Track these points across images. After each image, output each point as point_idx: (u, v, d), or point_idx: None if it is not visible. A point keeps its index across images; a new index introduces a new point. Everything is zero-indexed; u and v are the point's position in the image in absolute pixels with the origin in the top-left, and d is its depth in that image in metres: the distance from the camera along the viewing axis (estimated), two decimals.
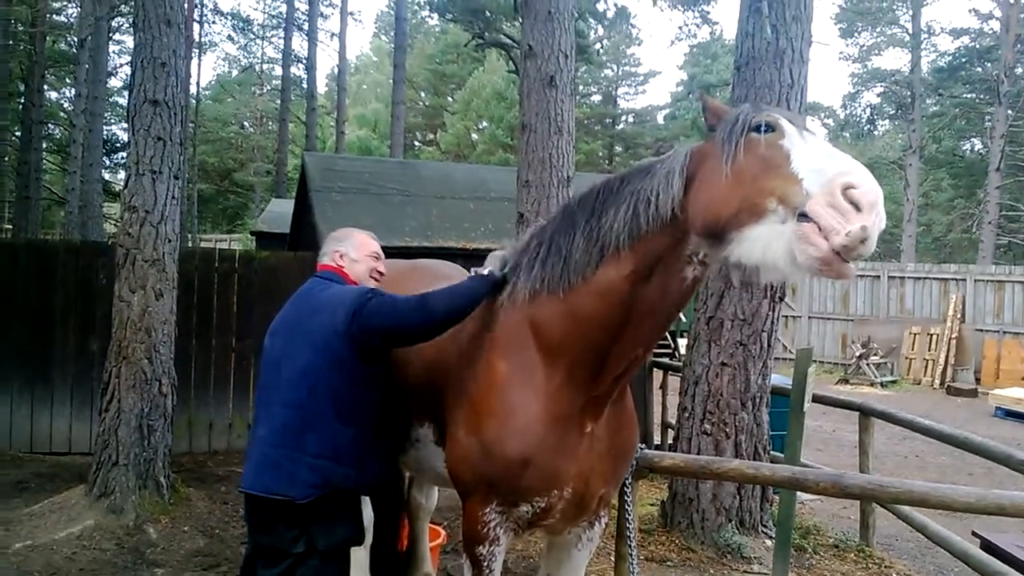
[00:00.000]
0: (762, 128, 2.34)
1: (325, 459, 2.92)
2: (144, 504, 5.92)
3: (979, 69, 29.60)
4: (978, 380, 17.77)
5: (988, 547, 5.12)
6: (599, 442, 2.94)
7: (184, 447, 8.06)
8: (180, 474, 6.84)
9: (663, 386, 9.06)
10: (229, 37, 36.64)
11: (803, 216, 2.10)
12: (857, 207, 2.02)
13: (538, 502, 2.89)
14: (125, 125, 9.10)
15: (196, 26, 27.36)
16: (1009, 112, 24.80)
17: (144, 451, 6.02)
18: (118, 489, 5.88)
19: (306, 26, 28.67)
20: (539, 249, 2.93)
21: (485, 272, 3.06)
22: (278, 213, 20.39)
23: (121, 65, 27.64)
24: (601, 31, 39.05)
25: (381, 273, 3.38)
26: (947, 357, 18.26)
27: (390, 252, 3.48)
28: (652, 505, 6.75)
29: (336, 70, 29.84)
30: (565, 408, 2.81)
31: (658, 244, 2.60)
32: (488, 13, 24.10)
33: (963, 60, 30.40)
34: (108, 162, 28.36)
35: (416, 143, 48.20)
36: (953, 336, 18.34)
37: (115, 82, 28.24)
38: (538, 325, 2.86)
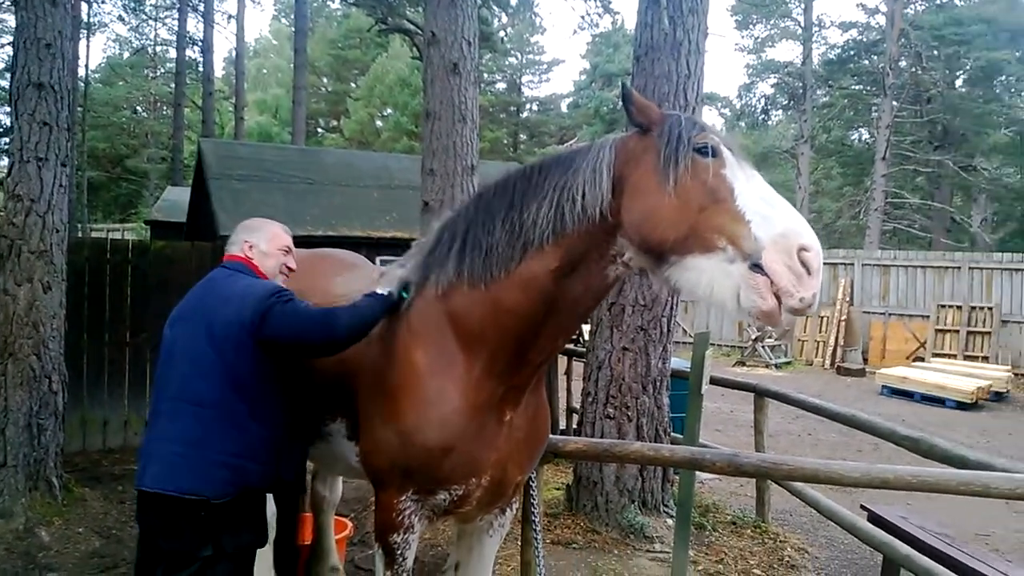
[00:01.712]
0: (705, 151, 2.38)
1: (240, 457, 2.83)
2: (35, 506, 5.72)
3: (866, 62, 30.84)
4: (866, 360, 18.60)
5: (875, 519, 5.38)
6: (517, 431, 2.97)
7: (77, 446, 7.76)
8: (73, 474, 6.61)
9: (568, 372, 9.19)
10: (120, 17, 34.93)
11: (757, 267, 2.19)
12: (809, 271, 2.15)
13: (456, 490, 2.89)
14: (8, 109, 8.65)
15: (84, 5, 26.11)
16: (894, 103, 25.96)
17: (34, 451, 5.80)
18: (6, 492, 5.66)
19: (201, 7, 27.73)
20: (453, 241, 2.90)
21: (383, 292, 2.98)
22: (174, 201, 19.79)
23: (2, 45, 26.15)
24: (505, 19, 39.07)
25: (291, 269, 3.26)
26: (837, 339, 19.06)
27: (293, 241, 3.39)
28: (558, 489, 6.85)
29: (234, 53, 29.00)
30: (485, 397, 2.82)
31: (583, 242, 2.62)
32: None
33: (851, 53, 31.62)
34: None
35: (319, 130, 47.29)
36: (842, 318, 19.17)
37: None
38: (457, 316, 2.84)
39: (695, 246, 2.32)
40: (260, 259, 3.15)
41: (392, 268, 3.17)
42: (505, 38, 42.16)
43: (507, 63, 46.64)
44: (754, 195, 2.31)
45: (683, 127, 2.44)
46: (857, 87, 31.67)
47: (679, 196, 2.36)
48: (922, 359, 17.60)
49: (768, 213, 2.25)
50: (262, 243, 3.18)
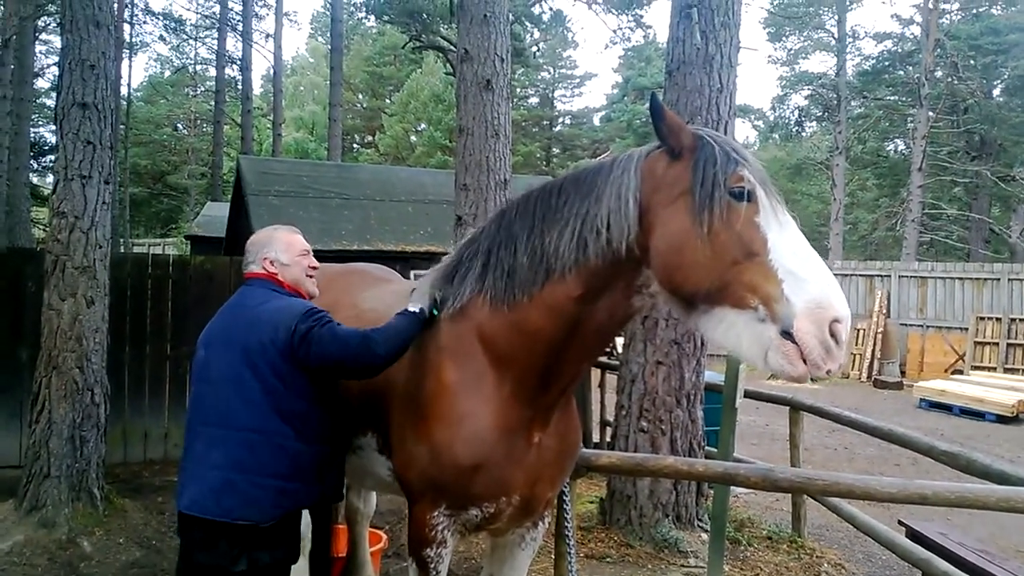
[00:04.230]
0: (740, 195, 2.32)
1: (290, 480, 2.85)
2: (77, 517, 5.80)
3: (901, 72, 30.53)
4: (903, 373, 18.33)
5: (914, 535, 5.32)
6: (547, 451, 2.96)
7: (119, 457, 7.89)
8: (114, 485, 6.70)
9: (601, 384, 9.17)
10: (161, 37, 35.56)
11: (787, 335, 2.16)
12: (837, 341, 2.13)
13: (487, 507, 2.91)
14: (53, 128, 8.86)
15: (126, 26, 26.64)
16: (930, 114, 25.64)
17: (77, 462, 5.89)
18: (50, 502, 5.75)
19: (240, 27, 28.17)
20: (476, 260, 2.92)
21: (415, 309, 2.95)
22: (213, 217, 20.10)
23: (48, 66, 26.82)
24: (537, 34, 39.24)
25: (315, 268, 3.21)
26: (873, 351, 18.81)
27: (328, 255, 3.44)
28: (591, 503, 6.84)
29: (272, 71, 29.30)
30: (514, 417, 2.82)
31: (607, 272, 2.59)
32: (425, 15, 24.12)
33: (886, 64, 31.36)
34: (36, 166, 27.51)
35: (355, 146, 47.80)
36: (879, 331, 18.91)
37: (42, 83, 27.43)
38: (485, 335, 2.85)
39: (726, 300, 2.27)
40: (283, 271, 3.09)
41: (420, 283, 3.15)
42: (538, 53, 42.42)
43: (540, 77, 46.90)
44: (787, 249, 2.25)
45: (718, 164, 2.35)
46: (892, 98, 31.36)
47: (712, 245, 2.30)
48: (961, 372, 17.27)
49: (802, 273, 2.20)
50: (281, 255, 3.10)
